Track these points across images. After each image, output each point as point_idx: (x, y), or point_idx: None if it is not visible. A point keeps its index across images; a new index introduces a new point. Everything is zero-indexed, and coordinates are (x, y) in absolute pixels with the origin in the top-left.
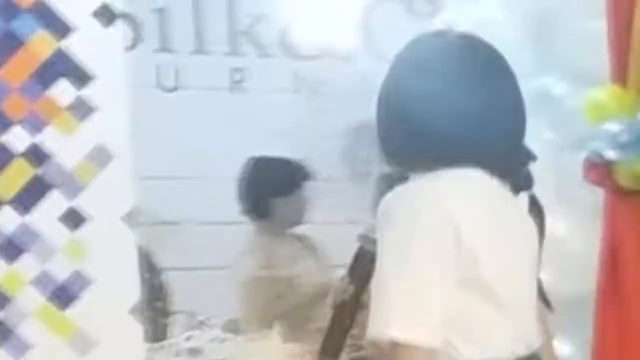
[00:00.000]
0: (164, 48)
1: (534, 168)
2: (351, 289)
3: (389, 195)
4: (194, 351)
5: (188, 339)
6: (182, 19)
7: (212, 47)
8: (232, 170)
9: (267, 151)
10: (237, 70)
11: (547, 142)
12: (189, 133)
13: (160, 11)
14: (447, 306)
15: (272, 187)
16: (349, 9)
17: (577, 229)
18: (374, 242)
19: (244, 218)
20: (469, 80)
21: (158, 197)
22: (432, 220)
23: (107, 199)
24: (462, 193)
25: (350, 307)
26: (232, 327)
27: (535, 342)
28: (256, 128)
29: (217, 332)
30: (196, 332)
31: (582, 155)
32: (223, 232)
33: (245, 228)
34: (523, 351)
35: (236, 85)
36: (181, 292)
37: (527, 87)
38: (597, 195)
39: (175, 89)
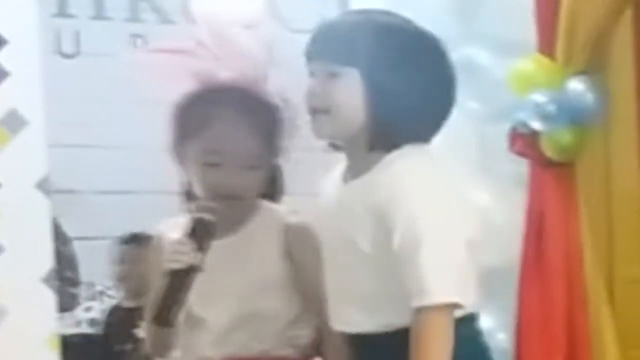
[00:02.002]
0: (62, 13)
1: (458, 138)
2: (199, 255)
3: (395, 173)
4: (93, 322)
5: (87, 309)
6: None
7: (111, 13)
8: (131, 139)
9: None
10: (138, 36)
11: (471, 112)
12: (89, 100)
13: None
14: None
15: None
16: None
17: (501, 199)
18: (212, 210)
19: (144, 187)
20: (409, 58)
21: (57, 165)
22: (452, 187)
23: (20, 165)
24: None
25: (193, 273)
26: None
27: None
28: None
29: None
30: (96, 303)
31: (506, 126)
32: (122, 201)
33: (147, 197)
34: None
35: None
36: (81, 262)
37: (451, 57)
38: (521, 166)
39: (74, 55)
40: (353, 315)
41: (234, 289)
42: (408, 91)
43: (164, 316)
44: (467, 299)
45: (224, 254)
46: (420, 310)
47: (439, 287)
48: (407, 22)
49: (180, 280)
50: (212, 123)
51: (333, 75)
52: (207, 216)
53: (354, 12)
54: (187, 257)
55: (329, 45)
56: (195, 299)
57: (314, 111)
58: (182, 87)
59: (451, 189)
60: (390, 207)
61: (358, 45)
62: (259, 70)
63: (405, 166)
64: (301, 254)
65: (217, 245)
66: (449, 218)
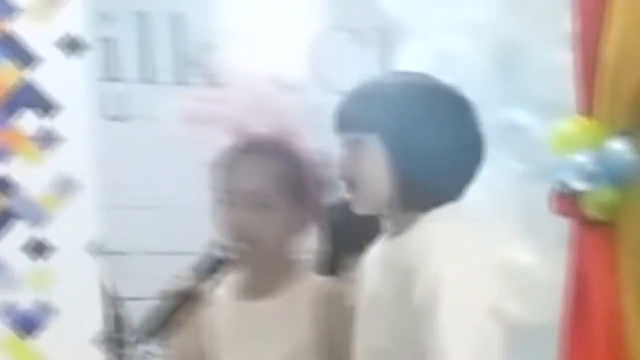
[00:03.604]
0: (110, 77)
1: (502, 199)
2: (194, 282)
3: (424, 235)
4: None
5: None
6: (129, 48)
7: (159, 77)
8: (180, 200)
9: None
10: None
11: (513, 173)
12: (138, 163)
13: (106, 40)
14: None
15: None
16: (297, 39)
17: (543, 259)
18: (221, 248)
19: (193, 248)
20: (430, 118)
21: (108, 227)
22: (483, 251)
23: (72, 228)
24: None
25: (190, 297)
26: None
27: None
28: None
29: None
30: None
31: (548, 186)
32: (172, 262)
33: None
34: None
35: None
36: (130, 323)
37: (494, 118)
38: (563, 226)
39: (124, 118)
40: None
41: (261, 355)
42: (431, 151)
43: (147, 329)
44: None
45: (258, 317)
46: None
47: (453, 350)
48: (428, 79)
49: (169, 302)
50: (229, 165)
51: (357, 144)
52: (217, 252)
53: (373, 77)
54: (181, 281)
55: (349, 114)
56: (226, 355)
57: (345, 184)
58: (221, 143)
59: (480, 252)
60: (415, 266)
61: (376, 109)
62: (293, 128)
63: (434, 228)
64: (329, 323)
65: (254, 307)
66: (472, 281)
